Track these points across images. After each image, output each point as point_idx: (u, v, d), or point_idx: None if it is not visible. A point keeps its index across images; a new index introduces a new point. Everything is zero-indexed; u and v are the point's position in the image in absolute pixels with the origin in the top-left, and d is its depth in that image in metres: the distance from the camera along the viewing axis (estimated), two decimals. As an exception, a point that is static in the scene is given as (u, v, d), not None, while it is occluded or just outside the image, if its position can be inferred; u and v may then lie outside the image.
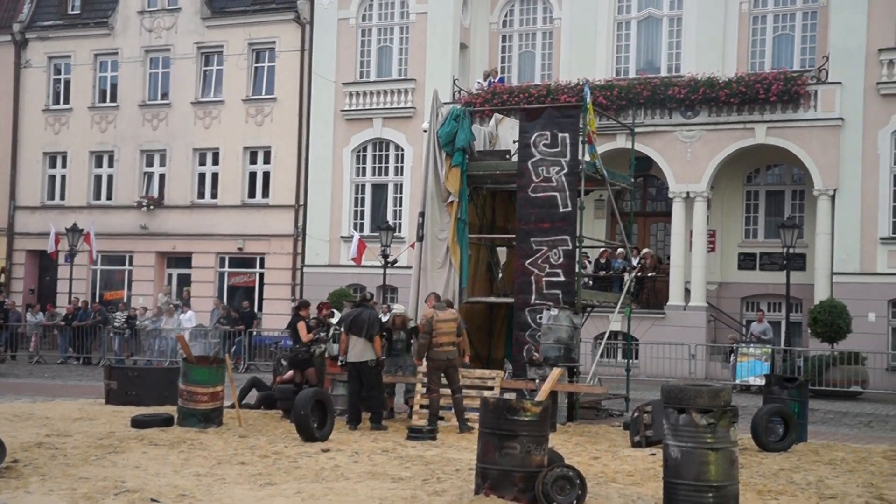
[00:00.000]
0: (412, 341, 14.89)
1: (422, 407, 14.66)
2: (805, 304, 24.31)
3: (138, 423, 12.98)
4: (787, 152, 24.58)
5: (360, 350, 13.97)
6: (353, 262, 26.81)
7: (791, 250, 22.48)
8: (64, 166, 33.07)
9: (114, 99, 32.50)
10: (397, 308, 15.67)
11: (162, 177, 31.74)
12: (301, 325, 15.14)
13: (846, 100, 23.93)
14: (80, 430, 12.62)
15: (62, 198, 33.02)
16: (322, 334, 15.15)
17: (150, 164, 32.02)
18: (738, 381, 21.87)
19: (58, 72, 33.44)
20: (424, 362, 14.03)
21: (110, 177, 32.47)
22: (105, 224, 31.23)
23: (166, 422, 13.17)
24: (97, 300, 30.49)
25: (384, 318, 16.22)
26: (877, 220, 23.68)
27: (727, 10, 25.85)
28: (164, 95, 31.85)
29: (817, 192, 24.18)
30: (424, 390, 14.22)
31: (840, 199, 23.99)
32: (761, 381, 18.78)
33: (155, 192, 31.70)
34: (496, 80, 27.43)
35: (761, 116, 24.51)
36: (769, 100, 24.19)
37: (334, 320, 16.54)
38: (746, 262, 26.29)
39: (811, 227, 24.79)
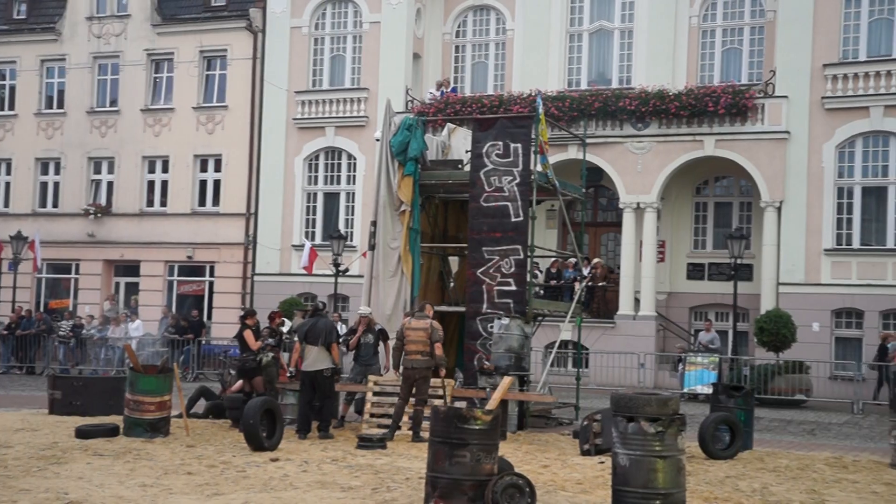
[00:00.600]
0: (380, 343, 15.13)
1: (371, 415, 14.62)
2: (752, 314, 24.65)
3: (83, 433, 12.76)
4: (735, 164, 24.95)
5: (314, 359, 13.86)
6: (304, 271, 26.65)
7: (738, 261, 22.79)
8: (9, 173, 32.49)
9: (61, 105, 32.03)
10: (363, 310, 15.58)
11: (110, 184, 31.32)
12: (248, 334, 14.96)
13: (792, 113, 24.36)
14: (21, 440, 12.37)
15: (6, 205, 32.43)
16: (270, 341, 15.00)
17: (97, 171, 31.59)
18: (685, 390, 22.10)
19: (2, 77, 32.92)
20: (392, 370, 14.05)
21: (56, 184, 31.96)
22: (51, 232, 30.73)
23: (112, 432, 12.96)
24: (42, 309, 29.98)
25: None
26: (821, 232, 24.10)
27: (677, 24, 26.20)
28: (113, 102, 31.46)
29: (764, 204, 24.56)
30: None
31: (786, 211, 24.39)
32: (708, 390, 19.03)
33: (103, 200, 31.27)
34: (449, 90, 27.51)
35: (710, 129, 24.85)
36: (718, 112, 24.55)
37: (286, 329, 16.46)
38: (695, 272, 26.60)
39: (758, 238, 25.16)
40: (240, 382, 15.21)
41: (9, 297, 29.32)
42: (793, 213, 24.29)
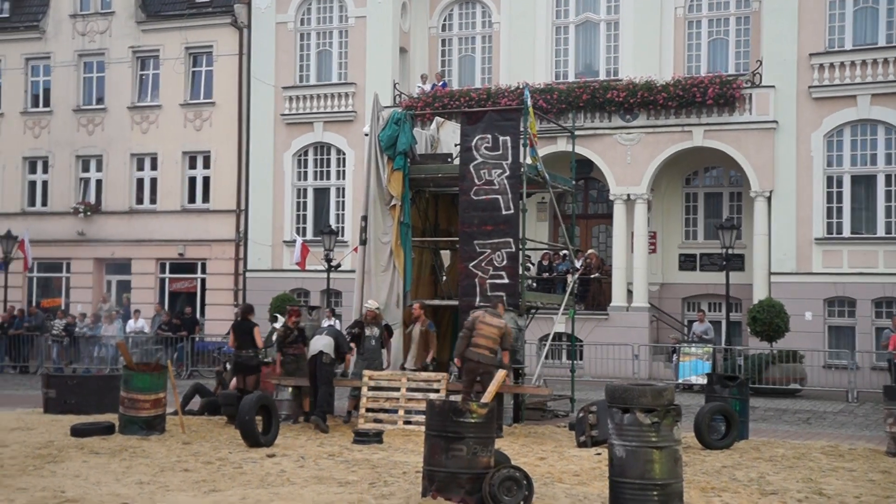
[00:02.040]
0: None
1: (368, 410, 14.64)
2: (744, 304, 24.73)
3: (78, 431, 12.75)
4: (724, 154, 25.00)
5: (318, 345, 14.24)
6: (296, 267, 26.62)
7: (730, 251, 22.84)
8: (-4, 172, 32.34)
9: (47, 104, 31.86)
10: (370, 304, 15.56)
11: (99, 182, 31.19)
12: (258, 331, 15.12)
13: (780, 103, 24.41)
14: (17, 439, 12.33)
15: (-6, 204, 32.29)
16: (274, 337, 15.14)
17: (86, 169, 31.46)
18: (680, 381, 22.14)
19: (-12, 76, 32.72)
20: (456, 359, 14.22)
21: (45, 183, 31.81)
22: (41, 231, 30.60)
23: (107, 430, 12.95)
24: (35, 307, 29.86)
25: (329, 323, 16.17)
26: (811, 221, 24.17)
27: (663, 15, 26.22)
28: (100, 100, 31.31)
29: (754, 194, 24.62)
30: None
31: (776, 201, 24.46)
32: (703, 381, 19.08)
33: (92, 198, 31.14)
34: (440, 84, 27.50)
35: (698, 119, 24.89)
36: (706, 103, 24.58)
37: (278, 325, 16.45)
38: (687, 262, 26.67)
39: (749, 227, 25.23)
40: (235, 380, 15.21)
41: (0, 296, 29.21)
42: (783, 202, 24.36)
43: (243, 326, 14.99)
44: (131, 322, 26.81)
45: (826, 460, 11.86)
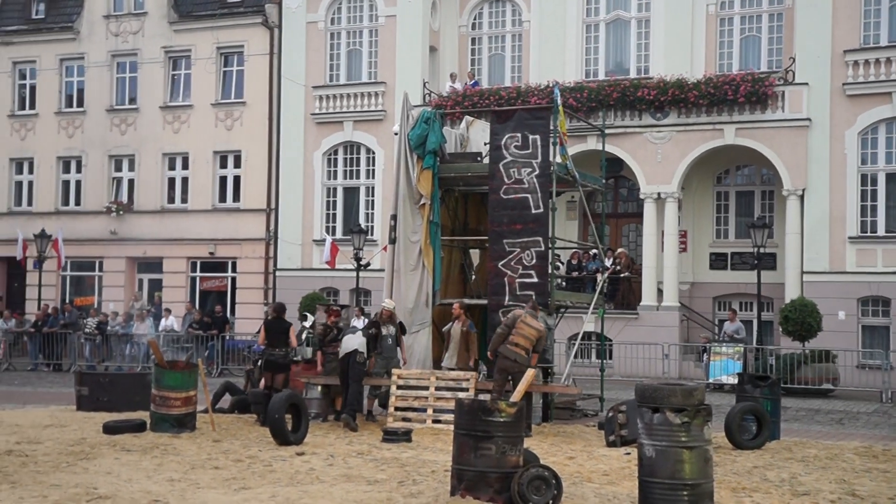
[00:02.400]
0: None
1: (396, 409, 14.66)
2: (776, 303, 24.50)
3: (110, 428, 12.86)
4: (756, 153, 24.78)
5: (353, 343, 14.40)
6: (325, 266, 26.70)
7: (761, 250, 22.65)
8: (31, 172, 32.70)
9: (80, 104, 32.19)
10: (387, 303, 15.61)
11: (131, 182, 31.47)
12: (293, 330, 15.26)
13: (813, 100, 24.16)
14: (50, 436, 12.47)
15: (30, 203, 32.65)
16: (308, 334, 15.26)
17: (118, 168, 31.76)
18: (711, 380, 22.01)
19: (23, 77, 33.07)
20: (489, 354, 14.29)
21: (78, 182, 32.15)
22: (74, 230, 30.93)
23: (139, 427, 13.05)
24: (69, 305, 30.19)
25: (356, 323, 16.19)
26: (845, 220, 23.91)
27: (694, 12, 26.02)
28: (132, 100, 31.60)
29: (786, 192, 24.39)
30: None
31: (809, 199, 24.21)
32: (734, 380, 18.92)
33: (124, 198, 31.43)
34: (471, 82, 27.49)
35: (730, 117, 24.69)
36: (737, 101, 24.38)
37: (308, 324, 16.51)
38: (718, 261, 26.47)
39: (781, 226, 25.00)
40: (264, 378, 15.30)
41: (35, 295, 29.55)
42: (816, 201, 24.11)
43: (278, 325, 15.03)
44: (163, 320, 27.04)
45: (859, 461, 11.72)
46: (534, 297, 15.01)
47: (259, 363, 15.72)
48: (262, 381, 15.09)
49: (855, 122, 23.95)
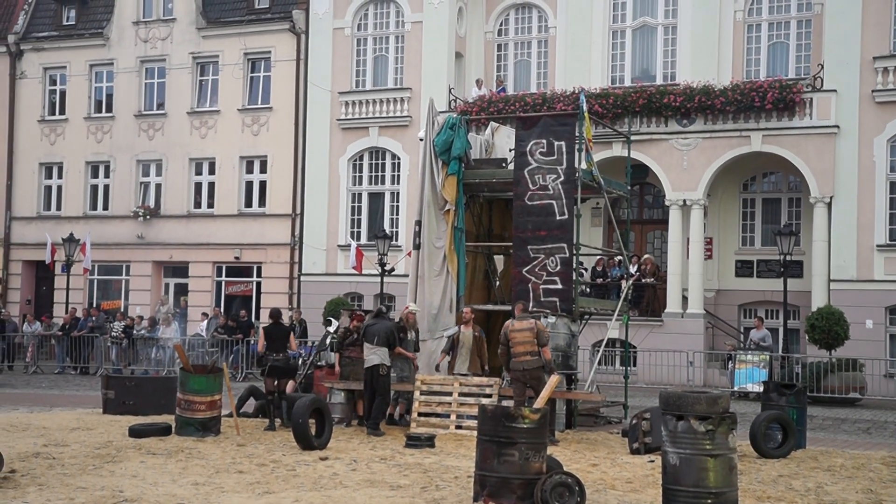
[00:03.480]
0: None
1: (420, 415, 14.66)
2: (802, 311, 24.32)
3: (136, 432, 12.96)
4: (783, 160, 24.63)
5: (369, 355, 14.34)
6: (350, 271, 26.78)
7: (788, 257, 22.51)
8: (60, 177, 33.04)
9: (109, 109, 32.50)
10: (412, 306, 15.64)
11: (158, 186, 31.73)
12: (293, 336, 15.49)
13: (841, 107, 23.99)
14: (77, 439, 12.58)
15: (58, 208, 32.99)
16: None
17: (146, 173, 32.01)
18: (736, 388, 21.87)
19: (53, 82, 33.44)
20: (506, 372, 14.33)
21: (106, 187, 32.46)
22: (101, 234, 31.19)
23: (164, 431, 13.14)
24: (96, 309, 30.45)
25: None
26: (873, 228, 23.71)
27: (721, 19, 25.92)
28: (160, 105, 31.85)
29: (814, 200, 24.22)
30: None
31: (836, 207, 24.03)
32: (759, 388, 18.80)
33: (151, 202, 31.69)
34: (499, 89, 27.51)
35: (757, 124, 24.55)
36: (765, 107, 24.24)
37: (332, 328, 16.56)
38: (743, 269, 26.31)
39: (808, 234, 24.82)
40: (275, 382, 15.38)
41: (62, 298, 29.83)
42: (843, 208, 23.92)
43: (279, 330, 15.02)
44: (202, 325, 27.15)
45: (887, 471, 11.60)
46: (522, 303, 14.85)
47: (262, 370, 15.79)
48: (265, 386, 15.05)
49: (884, 129, 23.76)
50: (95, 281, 32.40)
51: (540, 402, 9.28)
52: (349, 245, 27.12)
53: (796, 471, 11.40)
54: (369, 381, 14.30)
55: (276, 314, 15.34)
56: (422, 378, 14.99)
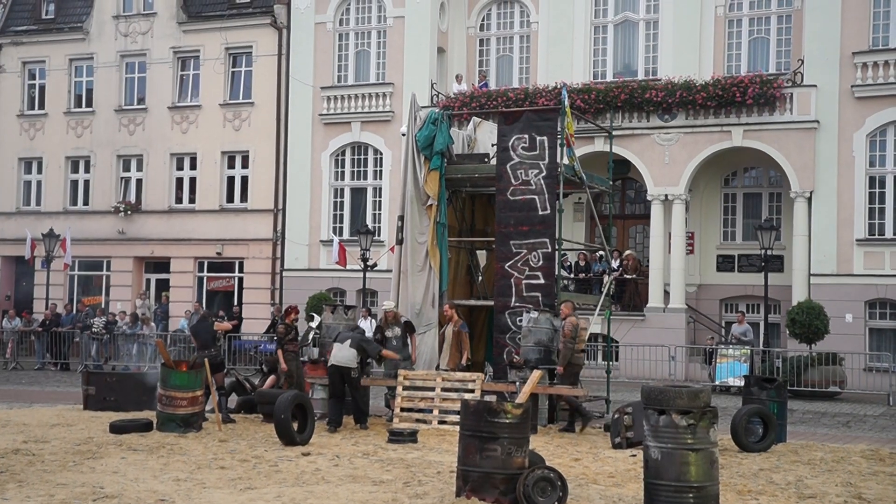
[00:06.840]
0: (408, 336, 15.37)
1: (402, 410, 14.66)
2: (783, 306, 24.46)
3: (117, 428, 12.90)
4: (764, 154, 24.75)
5: (338, 353, 14.17)
6: (333, 266, 26.75)
7: (769, 252, 22.62)
8: (40, 172, 32.81)
9: (89, 104, 32.29)
10: (387, 304, 15.64)
11: (139, 182, 31.55)
12: (217, 324, 15.73)
13: (821, 102, 24.12)
14: (57, 436, 12.51)
15: (38, 203, 32.76)
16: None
17: (126, 169, 31.83)
18: (717, 383, 21.98)
19: (32, 77, 33.19)
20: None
21: (87, 182, 32.25)
22: (82, 229, 31.00)
23: (145, 427, 13.08)
24: (76, 305, 30.29)
25: (365, 322, 16.25)
26: (853, 222, 23.87)
27: (703, 14, 26.00)
28: (141, 100, 31.68)
29: (794, 195, 24.35)
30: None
31: (816, 201, 24.17)
32: (740, 382, 18.90)
33: (132, 198, 31.51)
34: (481, 84, 27.50)
35: (738, 119, 24.66)
36: (745, 103, 24.35)
37: (315, 324, 16.55)
38: (725, 263, 26.42)
39: (788, 228, 24.95)
40: (272, 378, 15.48)
41: (42, 294, 29.64)
42: (823, 203, 24.07)
43: (205, 326, 15.14)
44: (183, 321, 27.07)
45: (866, 464, 11.69)
46: (571, 302, 15.33)
47: (262, 366, 15.93)
48: (216, 381, 15.02)
49: (863, 124, 23.91)
50: (76, 276, 32.21)
51: (522, 397, 9.30)
52: (331, 240, 27.07)
53: (777, 464, 11.47)
54: (339, 378, 14.18)
55: (207, 314, 15.57)
56: (404, 373, 14.98)
